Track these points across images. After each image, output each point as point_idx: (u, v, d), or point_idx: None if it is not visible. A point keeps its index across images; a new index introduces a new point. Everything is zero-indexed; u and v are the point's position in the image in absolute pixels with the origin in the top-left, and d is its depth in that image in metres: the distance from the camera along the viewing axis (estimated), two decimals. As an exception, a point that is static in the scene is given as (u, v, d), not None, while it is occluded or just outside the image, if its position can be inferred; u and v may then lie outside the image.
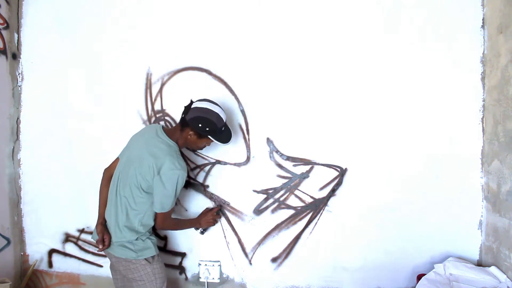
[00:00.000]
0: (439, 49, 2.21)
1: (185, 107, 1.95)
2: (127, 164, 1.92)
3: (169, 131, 1.97)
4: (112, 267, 2.08)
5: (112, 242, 1.93)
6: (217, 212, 2.33)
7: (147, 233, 1.99)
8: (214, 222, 2.32)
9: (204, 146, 2.05)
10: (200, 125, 1.88)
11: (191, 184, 2.41)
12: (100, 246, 1.93)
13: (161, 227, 2.01)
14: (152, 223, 1.98)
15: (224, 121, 1.96)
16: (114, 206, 1.94)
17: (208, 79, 2.36)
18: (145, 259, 1.93)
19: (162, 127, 1.99)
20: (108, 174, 2.06)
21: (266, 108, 2.33)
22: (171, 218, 2.02)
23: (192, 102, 1.95)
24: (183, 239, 2.43)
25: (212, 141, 1.97)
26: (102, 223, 1.99)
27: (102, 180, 2.08)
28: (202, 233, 2.36)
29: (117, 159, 2.07)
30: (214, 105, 1.93)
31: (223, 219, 2.40)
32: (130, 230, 1.91)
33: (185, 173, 1.85)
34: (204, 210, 2.35)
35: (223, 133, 1.99)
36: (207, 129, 1.89)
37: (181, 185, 1.86)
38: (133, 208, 1.90)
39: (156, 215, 1.95)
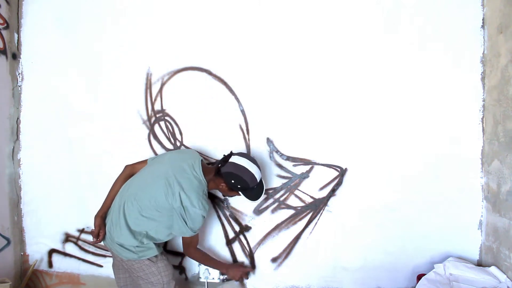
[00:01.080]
0: (439, 49, 2.21)
1: (223, 156, 2.00)
2: (153, 176, 1.94)
3: (206, 169, 1.99)
4: (114, 265, 2.09)
5: (113, 240, 1.93)
6: (247, 272, 2.34)
7: (150, 244, 1.97)
8: (239, 278, 2.29)
9: (232, 196, 2.13)
10: (233, 181, 1.93)
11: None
12: (94, 239, 1.95)
13: (187, 253, 2.09)
14: (159, 239, 1.98)
15: (258, 181, 1.98)
16: (123, 207, 1.93)
17: (208, 79, 2.36)
18: (148, 259, 1.93)
19: (202, 160, 2.02)
20: (130, 172, 2.09)
21: (266, 108, 2.33)
22: (196, 248, 2.09)
23: (231, 154, 1.99)
24: (183, 239, 2.43)
25: (236, 195, 2.03)
26: (102, 216, 2.00)
27: (121, 174, 2.09)
28: (223, 281, 2.38)
29: (145, 161, 2.10)
30: (252, 164, 1.96)
31: (223, 219, 2.40)
32: (133, 237, 1.90)
33: (205, 214, 1.90)
34: (237, 263, 2.38)
35: (254, 191, 2.01)
36: (239, 186, 1.94)
37: (199, 224, 1.90)
38: (144, 216, 1.90)
39: (182, 240, 2.02)
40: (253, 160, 1.99)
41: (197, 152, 2.18)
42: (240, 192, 1.98)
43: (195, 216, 1.87)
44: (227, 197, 2.30)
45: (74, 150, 2.47)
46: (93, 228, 1.99)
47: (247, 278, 2.38)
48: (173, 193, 1.86)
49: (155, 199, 1.88)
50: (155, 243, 1.96)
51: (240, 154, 2.00)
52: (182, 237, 1.99)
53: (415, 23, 2.22)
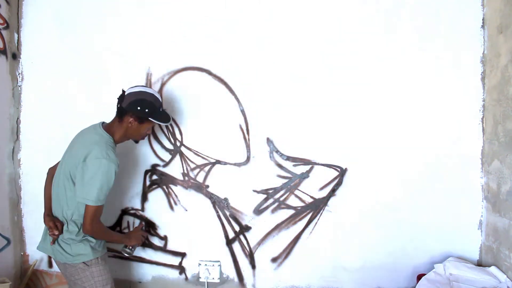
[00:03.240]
0: (439, 49, 2.21)
1: (119, 97, 1.88)
2: (63, 160, 1.91)
3: (107, 125, 1.92)
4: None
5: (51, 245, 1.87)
6: (142, 228, 2.27)
7: (81, 234, 1.86)
8: (142, 239, 2.21)
9: (146, 134, 1.98)
10: (139, 107, 1.82)
11: (191, 184, 2.41)
12: (56, 232, 1.84)
13: (89, 229, 1.78)
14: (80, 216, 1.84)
15: (160, 100, 1.93)
16: (54, 202, 1.91)
17: (208, 79, 2.36)
18: (83, 262, 1.86)
19: (102, 123, 1.93)
20: (52, 172, 2.03)
21: (266, 108, 2.33)
22: (99, 221, 1.85)
23: (124, 91, 1.89)
24: (183, 239, 2.43)
25: (153, 124, 1.92)
26: (50, 214, 1.93)
27: (47, 177, 2.07)
28: (130, 253, 2.14)
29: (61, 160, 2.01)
30: (146, 88, 1.91)
31: (223, 219, 2.40)
32: (66, 225, 1.84)
33: (114, 165, 1.74)
34: (133, 230, 2.26)
35: (163, 114, 1.94)
36: (147, 110, 1.84)
37: (108, 176, 1.73)
38: (66, 203, 1.83)
39: (85, 212, 1.77)
40: (145, 86, 1.92)
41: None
42: (151, 119, 1.87)
43: (96, 164, 1.71)
44: (144, 136, 2.01)
45: (74, 150, 2.47)
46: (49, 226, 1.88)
47: (147, 234, 2.33)
48: (77, 155, 1.77)
49: (69, 174, 1.79)
50: (91, 246, 1.86)
51: (131, 87, 1.90)
52: (86, 208, 1.76)
53: (415, 23, 2.22)
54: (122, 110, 1.85)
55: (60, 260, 1.87)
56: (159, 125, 2.35)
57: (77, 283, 1.89)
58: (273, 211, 2.36)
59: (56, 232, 1.83)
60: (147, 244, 2.45)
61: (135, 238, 2.15)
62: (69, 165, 1.81)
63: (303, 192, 2.34)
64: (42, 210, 2.49)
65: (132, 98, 1.83)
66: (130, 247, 2.14)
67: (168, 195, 2.43)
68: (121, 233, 2.30)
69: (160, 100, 1.93)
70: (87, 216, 1.76)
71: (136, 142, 2.06)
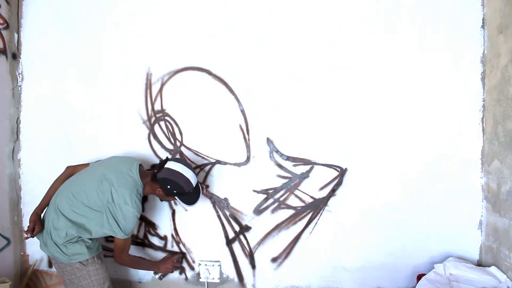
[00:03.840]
0: (439, 49, 2.21)
1: (160, 162, 2.02)
2: (90, 175, 1.96)
3: (143, 173, 2.01)
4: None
5: (47, 242, 1.94)
6: (177, 260, 2.34)
7: (77, 235, 1.94)
8: (172, 270, 2.34)
9: (170, 200, 2.22)
10: (168, 186, 1.95)
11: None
12: (28, 234, 1.94)
13: (118, 260, 2.00)
14: (95, 234, 1.94)
15: (194, 185, 2.01)
16: (58, 205, 1.94)
17: (208, 79, 2.36)
18: (79, 262, 1.92)
19: (140, 165, 2.04)
20: (71, 172, 2.10)
21: (266, 108, 2.33)
22: (128, 253, 2.03)
23: (167, 159, 2.01)
24: (183, 239, 2.43)
25: (175, 202, 2.10)
26: (38, 213, 2.02)
27: (61, 174, 2.11)
28: (160, 278, 2.38)
29: (87, 164, 2.12)
30: (187, 169, 1.98)
31: (223, 219, 2.40)
32: (71, 224, 1.90)
33: (138, 214, 1.90)
34: (165, 256, 2.37)
35: (190, 195, 2.05)
36: (175, 191, 1.97)
37: (132, 221, 1.89)
38: (76, 212, 1.90)
39: (114, 244, 1.96)
40: (188, 166, 2.01)
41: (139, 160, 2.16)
42: (176, 197, 2.01)
43: (128, 214, 1.86)
44: (165, 201, 2.29)
45: (74, 150, 2.47)
46: (29, 224, 1.98)
47: (181, 263, 2.41)
48: (104, 190, 1.87)
49: (87, 196, 1.89)
50: (87, 246, 1.94)
51: (175, 160, 2.03)
52: (115, 242, 1.95)
53: (415, 23, 2.22)
54: (155, 178, 1.96)
55: (58, 259, 1.92)
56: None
57: (73, 282, 1.92)
58: (273, 211, 2.36)
59: (28, 235, 1.94)
60: (147, 244, 2.45)
61: (164, 269, 2.29)
62: (90, 193, 1.89)
63: (303, 192, 2.34)
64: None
65: (166, 175, 1.94)
66: (160, 275, 2.37)
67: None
68: (151, 262, 2.35)
69: (194, 184, 2.01)
70: (117, 248, 1.96)
71: (161, 200, 2.21)
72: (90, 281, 1.93)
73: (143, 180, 1.98)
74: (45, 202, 2.06)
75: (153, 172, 2.00)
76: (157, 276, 2.38)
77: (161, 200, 2.22)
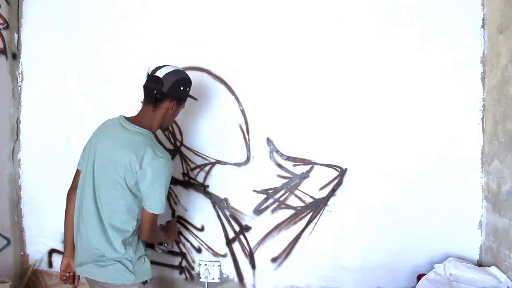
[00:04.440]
0: (439, 49, 2.21)
1: (151, 83, 1.63)
2: (101, 171, 1.59)
3: (136, 119, 1.67)
4: None
5: (98, 264, 1.60)
6: (175, 222, 2.28)
7: (143, 249, 1.70)
8: (177, 234, 2.26)
9: (178, 113, 1.81)
10: (181, 88, 1.66)
11: (191, 184, 2.41)
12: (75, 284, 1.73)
13: (147, 236, 1.66)
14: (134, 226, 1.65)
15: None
16: (94, 221, 1.60)
17: (208, 79, 2.36)
18: (141, 282, 1.63)
19: (124, 116, 1.69)
20: (72, 196, 1.75)
21: (266, 108, 2.33)
22: (157, 227, 1.74)
23: (157, 76, 1.62)
24: (183, 239, 2.43)
25: (183, 106, 1.77)
26: (70, 258, 1.73)
27: (68, 203, 1.77)
28: (164, 250, 2.08)
29: (77, 172, 1.75)
30: (174, 66, 1.71)
31: (223, 219, 2.40)
32: (124, 244, 1.59)
33: (171, 162, 1.61)
34: (168, 226, 2.14)
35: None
36: (187, 89, 1.71)
37: (169, 175, 1.59)
38: (123, 211, 1.58)
39: (143, 219, 1.62)
40: (166, 65, 1.69)
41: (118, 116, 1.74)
42: (188, 97, 1.73)
43: (158, 166, 1.53)
44: (171, 121, 1.84)
45: (74, 150, 2.46)
46: (66, 273, 1.73)
47: (179, 229, 2.36)
48: (129, 163, 1.52)
49: (124, 183, 1.56)
50: (149, 263, 1.69)
51: (157, 68, 1.67)
52: (146, 214, 1.61)
53: (415, 23, 2.22)
54: (162, 96, 1.62)
55: (115, 282, 1.57)
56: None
57: None
58: (273, 211, 2.36)
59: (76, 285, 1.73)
60: (147, 244, 2.44)
61: (173, 234, 2.06)
62: (117, 177, 1.55)
63: (303, 192, 2.34)
64: (42, 210, 2.51)
65: (172, 79, 1.62)
66: (166, 244, 2.06)
67: (168, 195, 2.42)
68: (168, 229, 2.06)
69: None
70: (149, 223, 1.61)
71: (166, 129, 1.87)
72: None
73: (145, 124, 1.64)
74: (70, 241, 1.73)
75: (152, 96, 1.63)
76: (162, 247, 2.06)
77: (167, 127, 1.83)
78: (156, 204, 1.59)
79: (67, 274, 1.75)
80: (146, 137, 1.61)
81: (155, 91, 1.62)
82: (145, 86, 1.67)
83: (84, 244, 1.63)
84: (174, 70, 1.67)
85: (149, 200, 1.58)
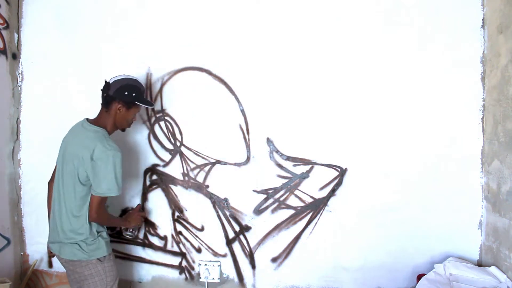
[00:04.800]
0: (439, 49, 2.21)
1: (103, 87, 1.91)
2: (65, 165, 1.88)
3: (94, 120, 1.94)
4: (69, 282, 2.00)
5: (62, 244, 1.88)
6: (139, 210, 2.29)
7: (97, 231, 1.91)
8: (141, 220, 2.27)
9: (132, 121, 2.02)
10: (126, 93, 1.88)
11: (191, 184, 2.41)
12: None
13: (95, 217, 1.86)
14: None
15: (144, 87, 2.00)
16: (62, 208, 1.88)
17: (208, 79, 2.36)
18: (97, 258, 1.89)
19: (87, 119, 1.96)
20: (53, 185, 2.01)
21: (266, 108, 2.33)
22: (105, 209, 1.93)
23: (107, 81, 1.91)
24: (183, 239, 2.43)
25: (139, 109, 1.99)
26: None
27: (48, 193, 2.06)
28: (132, 236, 2.23)
29: (55, 166, 2.02)
30: (128, 75, 1.95)
31: (223, 219, 2.40)
32: (77, 233, 1.85)
33: (119, 153, 1.83)
34: (129, 212, 2.30)
35: (146, 99, 2.02)
36: (133, 94, 1.90)
37: (118, 166, 1.82)
38: (77, 198, 1.84)
39: (91, 201, 1.85)
40: (125, 74, 1.94)
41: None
42: (137, 103, 1.93)
43: (105, 158, 1.78)
44: (130, 123, 2.03)
45: (74, 150, 2.47)
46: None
47: (145, 215, 2.39)
48: (83, 157, 1.78)
49: (78, 177, 1.82)
50: (105, 242, 1.91)
51: (114, 77, 1.92)
52: (92, 198, 1.84)
53: (415, 23, 2.22)
54: (109, 99, 1.89)
55: (73, 258, 1.86)
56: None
57: (86, 279, 1.88)
58: (273, 211, 2.36)
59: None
60: (147, 244, 2.45)
61: (134, 220, 2.20)
62: (74, 171, 1.83)
63: (303, 192, 2.34)
64: (42, 210, 2.50)
65: (117, 85, 1.88)
66: (131, 230, 2.22)
67: (168, 195, 2.43)
68: (121, 218, 2.27)
69: (143, 86, 2.01)
70: (94, 205, 1.85)
71: (123, 130, 2.06)
72: (105, 277, 1.90)
73: (100, 123, 1.90)
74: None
75: (103, 99, 1.90)
76: (128, 233, 2.22)
77: (124, 128, 2.03)
78: (101, 188, 1.82)
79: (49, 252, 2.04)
80: (98, 133, 1.87)
81: (104, 94, 1.91)
82: (101, 90, 1.93)
83: (52, 226, 1.95)
84: (124, 78, 1.92)
85: (95, 184, 1.82)
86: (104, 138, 1.85)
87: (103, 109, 1.93)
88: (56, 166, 2.00)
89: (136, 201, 2.44)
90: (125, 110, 1.92)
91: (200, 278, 2.41)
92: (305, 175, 2.33)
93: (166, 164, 2.42)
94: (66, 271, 1.97)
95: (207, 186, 2.40)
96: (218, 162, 2.38)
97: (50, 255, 2.09)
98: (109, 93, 1.88)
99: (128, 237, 2.24)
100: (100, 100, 2.38)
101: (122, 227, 2.28)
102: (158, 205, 2.43)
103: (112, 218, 2.17)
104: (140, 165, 2.43)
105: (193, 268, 2.44)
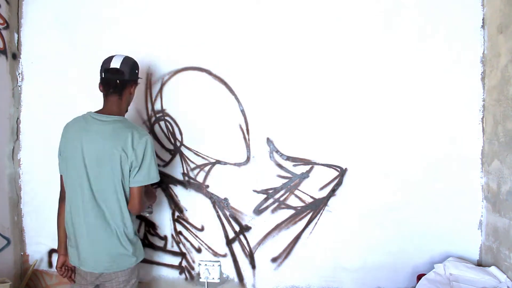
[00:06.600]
0: (439, 49, 2.21)
1: (113, 75, 1.74)
2: (95, 165, 1.67)
3: (106, 111, 1.77)
4: None
5: (103, 259, 1.71)
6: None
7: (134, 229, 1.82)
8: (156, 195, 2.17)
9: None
10: (136, 71, 1.84)
11: (191, 184, 2.41)
12: (71, 281, 1.86)
13: (138, 208, 1.74)
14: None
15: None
16: (101, 229, 1.69)
17: (208, 79, 2.36)
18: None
19: (92, 112, 1.79)
20: (63, 196, 1.80)
21: (266, 108, 2.33)
22: (144, 195, 1.81)
23: (116, 68, 1.74)
24: (183, 239, 2.43)
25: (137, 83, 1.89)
26: (66, 254, 1.84)
27: (59, 209, 1.83)
28: (151, 211, 2.09)
29: (61, 177, 1.80)
30: (120, 54, 1.83)
31: (223, 219, 2.40)
32: (129, 234, 1.75)
33: (151, 136, 1.77)
34: (148, 189, 2.04)
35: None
36: (136, 71, 1.85)
37: (154, 149, 1.76)
38: (122, 212, 1.72)
39: (133, 194, 1.71)
40: (111, 56, 1.80)
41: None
42: (139, 77, 1.90)
43: (145, 143, 1.70)
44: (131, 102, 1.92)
45: (74, 150, 2.47)
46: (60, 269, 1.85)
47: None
48: (123, 152, 1.66)
49: (123, 177, 1.68)
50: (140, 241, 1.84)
51: (107, 59, 1.78)
52: (136, 189, 1.71)
53: (415, 23, 2.22)
54: (124, 83, 1.77)
55: (122, 268, 1.72)
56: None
57: (129, 282, 1.78)
58: (273, 211, 2.36)
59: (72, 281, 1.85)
60: (147, 244, 2.45)
61: (153, 196, 2.06)
62: (109, 170, 1.66)
63: (303, 192, 2.34)
64: (42, 210, 2.51)
65: (128, 66, 1.77)
66: (149, 206, 2.06)
67: (168, 195, 2.43)
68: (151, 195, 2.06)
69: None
70: (139, 196, 1.73)
71: (126, 111, 1.92)
72: (136, 279, 1.81)
73: (115, 113, 1.76)
74: (63, 237, 1.84)
75: (114, 86, 1.75)
76: (148, 209, 2.06)
77: (127, 107, 1.88)
78: (144, 176, 1.72)
79: (63, 269, 1.86)
80: (124, 122, 1.77)
81: (118, 81, 1.76)
82: (106, 79, 1.77)
83: (87, 242, 1.72)
84: (124, 58, 1.79)
85: (139, 174, 1.70)
86: (131, 124, 1.77)
87: (114, 97, 1.76)
88: (61, 176, 1.79)
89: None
90: (134, 89, 1.85)
91: (200, 278, 2.41)
92: (305, 175, 2.33)
93: (166, 164, 2.42)
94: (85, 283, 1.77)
95: (207, 186, 2.40)
96: (218, 162, 2.38)
97: (65, 272, 1.86)
98: (125, 78, 1.75)
99: (147, 214, 2.14)
100: (101, 100, 2.37)
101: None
102: (158, 205, 2.43)
103: (147, 197, 1.93)
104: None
105: (193, 268, 2.44)
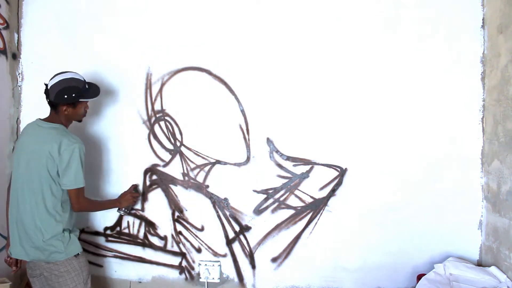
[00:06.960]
0: (439, 49, 2.21)
1: (44, 92, 1.93)
2: (27, 169, 1.86)
3: (48, 119, 1.95)
4: (32, 278, 1.96)
5: (32, 248, 1.86)
6: (134, 190, 2.35)
7: (69, 227, 1.94)
8: (133, 200, 2.32)
9: (85, 111, 2.04)
10: (65, 96, 1.88)
11: (191, 184, 2.41)
12: (15, 268, 2.02)
13: (78, 207, 1.94)
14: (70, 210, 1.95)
15: (83, 79, 1.96)
16: (28, 213, 1.86)
17: (208, 79, 2.36)
18: (74, 255, 1.92)
19: (39, 119, 1.96)
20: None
21: (266, 108, 2.33)
22: (85, 197, 1.97)
23: (46, 85, 1.93)
24: (183, 239, 2.43)
25: (87, 102, 2.02)
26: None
27: (10, 202, 1.96)
28: (126, 213, 2.34)
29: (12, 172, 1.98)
30: (65, 73, 1.92)
31: (223, 219, 2.40)
32: (54, 219, 1.87)
33: (83, 145, 1.90)
34: (122, 193, 2.32)
35: (90, 89, 2.00)
36: (73, 95, 1.91)
37: (83, 157, 1.89)
38: (50, 202, 1.86)
39: (70, 196, 1.91)
40: (64, 72, 1.93)
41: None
42: (81, 100, 1.95)
43: (72, 151, 1.83)
44: (84, 114, 2.06)
45: (74, 150, 2.47)
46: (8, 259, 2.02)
47: (139, 195, 2.40)
48: (49, 155, 1.81)
49: (49, 176, 1.84)
50: (77, 237, 1.96)
51: (51, 78, 1.91)
52: (70, 192, 1.89)
53: (415, 23, 2.22)
54: (53, 104, 1.92)
55: (51, 260, 1.86)
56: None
57: (63, 275, 1.87)
58: (273, 211, 2.36)
59: (15, 268, 2.02)
60: (147, 244, 2.45)
61: (126, 201, 2.28)
62: (41, 171, 1.83)
63: (303, 192, 2.34)
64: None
65: (55, 90, 1.87)
66: (123, 209, 2.31)
67: (168, 195, 2.43)
68: (110, 200, 2.33)
69: (82, 78, 1.96)
70: (74, 197, 1.90)
71: (80, 121, 2.08)
72: (81, 272, 1.92)
73: (56, 121, 1.92)
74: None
75: (48, 103, 1.93)
76: (122, 213, 2.34)
77: (80, 120, 2.05)
78: (71, 181, 1.87)
79: (9, 259, 2.03)
80: (59, 129, 1.90)
81: (48, 99, 1.93)
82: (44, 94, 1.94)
83: (18, 233, 1.90)
84: (60, 81, 1.89)
85: (65, 178, 1.85)
86: (66, 133, 1.90)
87: (52, 110, 1.94)
88: (13, 171, 1.95)
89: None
90: (71, 109, 1.94)
91: (200, 278, 2.41)
92: (305, 175, 2.33)
93: (166, 164, 2.42)
94: (31, 272, 1.94)
95: (207, 186, 2.40)
96: (218, 162, 2.38)
97: (10, 261, 2.01)
98: (50, 99, 1.89)
99: (121, 213, 2.35)
100: (99, 98, 2.37)
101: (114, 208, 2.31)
102: (158, 205, 2.43)
103: (100, 203, 2.24)
104: (140, 165, 2.43)
105: (193, 268, 2.44)
